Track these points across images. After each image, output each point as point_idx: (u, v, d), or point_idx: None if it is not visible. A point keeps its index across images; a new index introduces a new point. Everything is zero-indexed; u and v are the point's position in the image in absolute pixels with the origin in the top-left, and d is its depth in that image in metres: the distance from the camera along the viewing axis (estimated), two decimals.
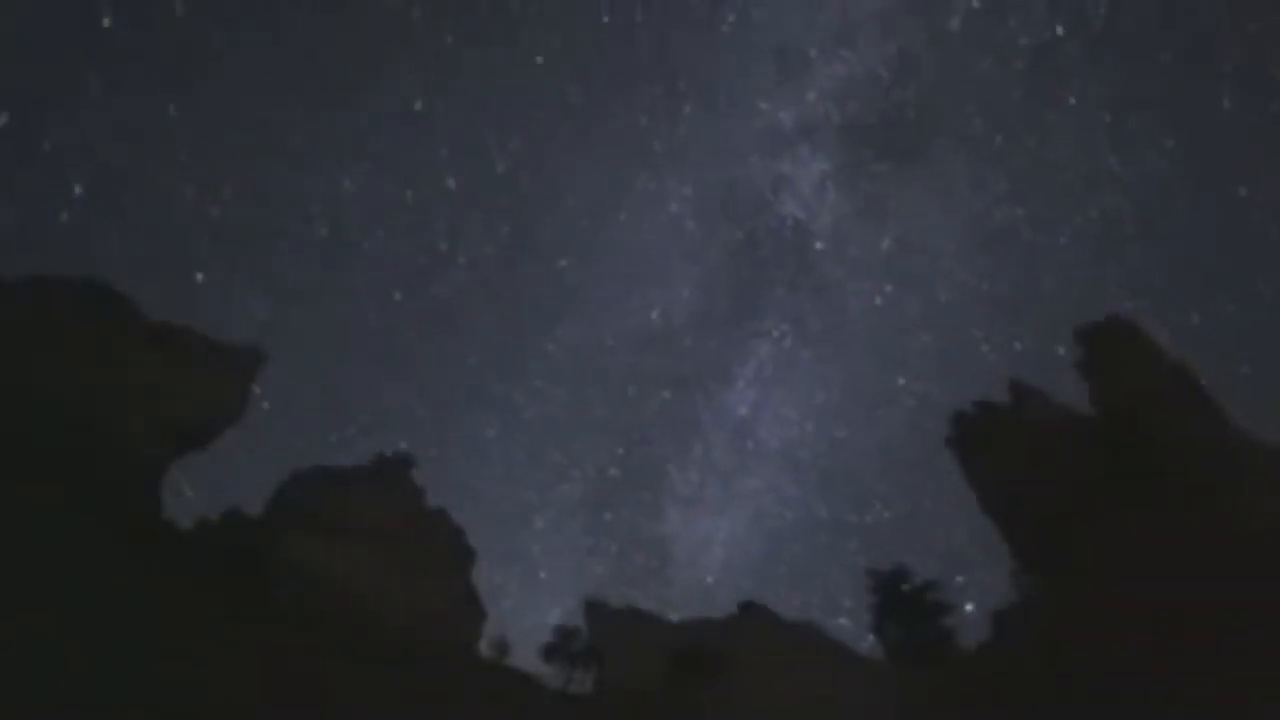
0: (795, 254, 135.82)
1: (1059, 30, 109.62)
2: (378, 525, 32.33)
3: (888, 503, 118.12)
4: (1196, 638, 20.09)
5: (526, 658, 45.21)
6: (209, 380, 30.67)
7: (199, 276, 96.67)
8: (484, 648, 37.54)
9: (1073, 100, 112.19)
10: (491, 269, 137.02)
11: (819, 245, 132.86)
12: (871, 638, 42.57)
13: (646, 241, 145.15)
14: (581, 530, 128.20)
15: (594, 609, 38.41)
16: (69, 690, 16.53)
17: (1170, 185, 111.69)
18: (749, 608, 39.80)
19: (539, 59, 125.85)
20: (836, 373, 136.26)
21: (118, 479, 26.23)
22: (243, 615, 26.29)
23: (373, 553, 31.52)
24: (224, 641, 23.16)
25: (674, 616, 38.96)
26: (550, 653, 44.10)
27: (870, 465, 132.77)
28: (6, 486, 22.18)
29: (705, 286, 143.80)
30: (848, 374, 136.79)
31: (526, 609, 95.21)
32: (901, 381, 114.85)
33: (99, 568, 21.45)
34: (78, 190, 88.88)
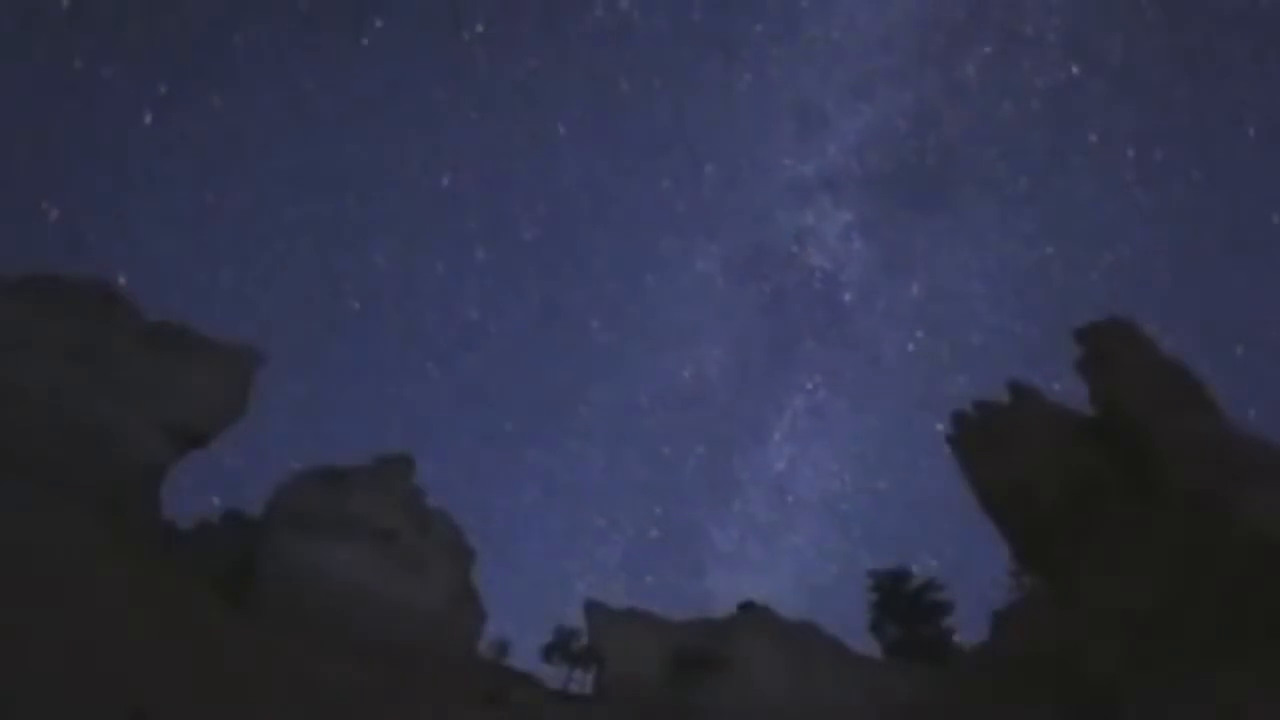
0: (824, 306, 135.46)
1: (1075, 70, 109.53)
2: (377, 525, 32.32)
3: (935, 551, 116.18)
4: (1196, 638, 20.09)
5: (526, 658, 45.25)
6: (209, 380, 30.66)
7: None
8: (484, 648, 37.58)
9: (1094, 138, 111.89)
10: (522, 336, 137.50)
11: (847, 296, 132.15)
12: (871, 638, 42.67)
13: (675, 301, 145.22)
14: (624, 592, 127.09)
15: (594, 609, 38.39)
16: (67, 690, 16.54)
17: (1200, 217, 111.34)
18: (749, 608, 39.80)
19: (561, 128, 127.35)
20: (873, 422, 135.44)
21: (118, 479, 26.23)
22: (242, 615, 26.31)
23: (372, 553, 31.51)
24: (223, 641, 23.17)
25: (674, 616, 38.91)
26: (550, 653, 44.18)
27: (913, 513, 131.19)
28: (5, 486, 22.18)
29: (736, 343, 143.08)
30: (884, 423, 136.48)
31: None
32: (939, 427, 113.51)
33: (99, 567, 21.45)
34: (121, 279, 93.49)
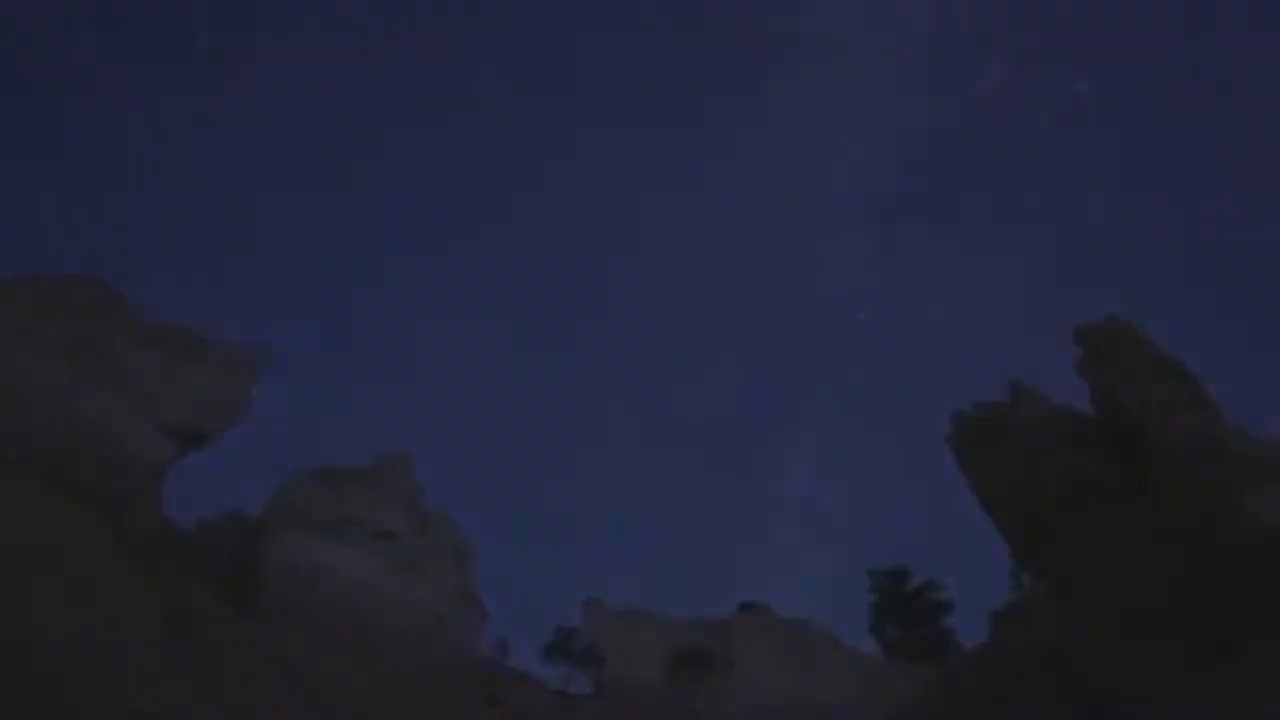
0: (839, 328, 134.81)
1: (1084, 88, 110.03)
2: (377, 525, 32.34)
3: (957, 568, 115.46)
4: (1196, 638, 20.09)
5: (526, 658, 45.19)
6: (210, 381, 30.67)
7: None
8: (484, 648, 37.58)
9: (1104, 154, 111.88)
10: (541, 365, 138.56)
11: (862, 317, 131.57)
12: (871, 637, 42.67)
13: (691, 329, 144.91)
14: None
15: (594, 609, 38.40)
16: (68, 690, 16.55)
17: (1214, 230, 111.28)
18: (749, 608, 39.82)
19: (575, 159, 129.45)
20: (893, 441, 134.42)
21: (118, 479, 26.24)
22: (242, 615, 26.31)
23: (372, 553, 31.53)
24: (224, 641, 23.17)
25: (674, 616, 38.91)
26: (550, 652, 44.20)
27: (936, 531, 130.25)
28: (5, 486, 22.19)
29: (754, 368, 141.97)
30: (905, 441, 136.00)
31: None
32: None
33: (99, 567, 21.46)
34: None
